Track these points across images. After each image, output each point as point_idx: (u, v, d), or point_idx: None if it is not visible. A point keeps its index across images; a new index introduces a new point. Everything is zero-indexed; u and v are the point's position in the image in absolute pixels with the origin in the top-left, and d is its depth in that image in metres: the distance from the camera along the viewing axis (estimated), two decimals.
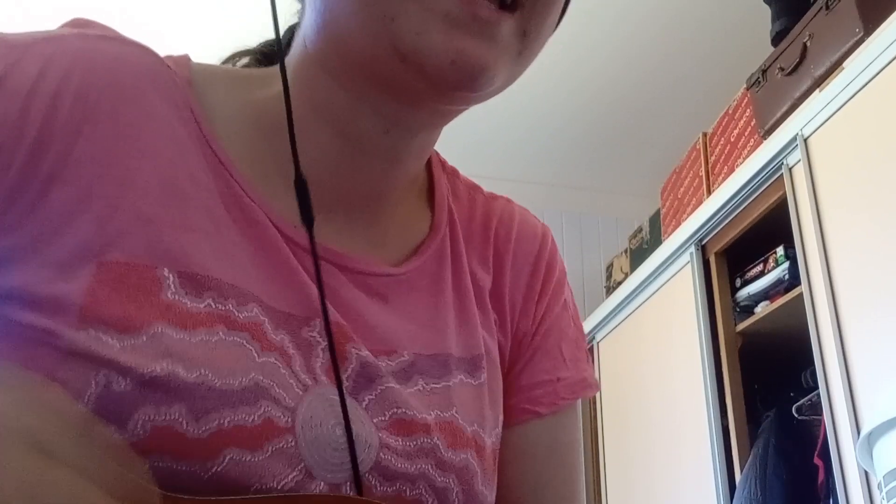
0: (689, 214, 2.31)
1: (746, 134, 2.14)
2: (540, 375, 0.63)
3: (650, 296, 2.46)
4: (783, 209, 1.84)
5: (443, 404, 0.55)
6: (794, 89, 1.86)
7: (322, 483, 0.48)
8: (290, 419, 0.47)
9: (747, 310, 2.09)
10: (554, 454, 0.63)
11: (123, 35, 0.55)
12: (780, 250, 1.95)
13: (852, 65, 1.65)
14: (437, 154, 0.67)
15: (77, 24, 0.55)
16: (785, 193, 1.83)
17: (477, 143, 3.00)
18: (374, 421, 0.51)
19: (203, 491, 0.44)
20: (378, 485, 0.50)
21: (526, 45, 0.52)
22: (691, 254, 2.22)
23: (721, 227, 2.13)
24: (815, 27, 1.80)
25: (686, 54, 2.69)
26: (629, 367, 2.55)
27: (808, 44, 1.82)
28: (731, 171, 2.15)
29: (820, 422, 1.73)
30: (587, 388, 0.65)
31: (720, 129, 2.29)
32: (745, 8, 2.41)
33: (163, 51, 0.56)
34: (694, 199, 2.37)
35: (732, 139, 2.22)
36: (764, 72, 1.99)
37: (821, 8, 1.78)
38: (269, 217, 0.53)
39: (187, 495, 0.42)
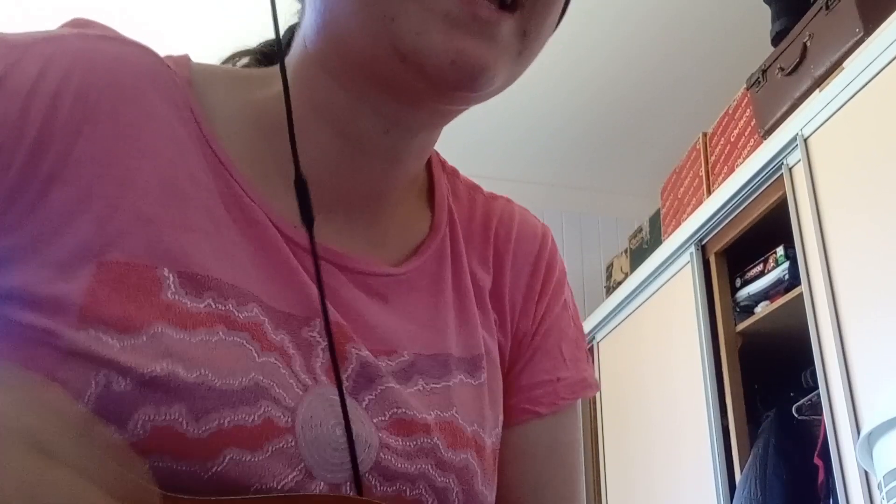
0: (689, 214, 2.31)
1: (746, 134, 2.14)
2: (540, 375, 0.63)
3: (650, 296, 2.46)
4: (783, 209, 1.84)
5: (443, 404, 0.55)
6: (794, 89, 1.86)
7: (322, 483, 0.48)
8: (290, 419, 0.47)
9: (747, 310, 2.09)
10: (554, 454, 0.63)
11: (123, 35, 0.55)
12: (780, 250, 1.95)
13: (852, 65, 1.65)
14: (438, 154, 0.67)
15: (77, 24, 0.55)
16: (785, 193, 1.83)
17: (477, 143, 3.00)
18: (374, 421, 0.51)
19: (203, 491, 0.44)
20: (378, 485, 0.50)
21: (526, 45, 0.52)
22: (691, 254, 2.22)
23: (721, 227, 2.13)
24: (815, 27, 1.80)
25: (686, 54, 2.69)
26: (629, 367, 2.55)
27: (808, 44, 1.82)
28: (731, 171, 2.15)
29: (820, 422, 1.73)
30: (587, 388, 0.65)
31: (720, 129, 2.29)
32: (745, 8, 2.41)
33: (163, 51, 0.56)
34: (694, 199, 2.37)
35: (732, 139, 2.22)
36: (764, 72, 1.99)
37: (821, 8, 1.78)
38: (269, 217, 0.53)
39: (187, 495, 0.42)
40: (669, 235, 2.42)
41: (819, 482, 1.78)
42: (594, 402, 2.73)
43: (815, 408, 1.81)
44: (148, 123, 0.51)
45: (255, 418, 0.46)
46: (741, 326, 2.07)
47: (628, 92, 2.86)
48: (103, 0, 2.06)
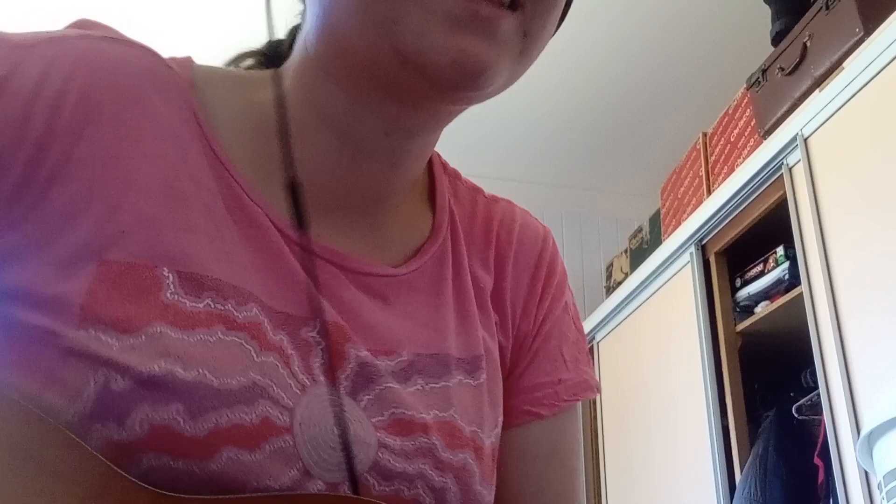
0: (689, 214, 2.31)
1: (746, 134, 2.14)
2: (541, 377, 0.63)
3: (650, 296, 2.46)
4: (783, 209, 1.84)
5: (442, 404, 0.55)
6: (794, 89, 1.86)
7: (320, 482, 0.48)
8: (288, 419, 0.48)
9: (747, 310, 2.09)
10: (555, 456, 0.63)
11: (126, 36, 0.56)
12: (780, 250, 1.95)
13: (852, 65, 1.65)
14: (439, 156, 0.67)
15: (81, 25, 0.56)
16: (785, 193, 1.83)
17: (477, 143, 3.00)
18: (373, 421, 0.51)
19: (201, 490, 0.44)
20: (376, 484, 0.50)
21: (527, 45, 0.52)
22: (691, 254, 2.22)
23: (721, 227, 2.13)
24: (815, 27, 1.80)
25: (686, 54, 2.69)
26: (629, 367, 2.55)
27: (808, 44, 1.82)
28: (731, 171, 2.15)
29: (820, 422, 1.73)
30: (588, 390, 0.65)
31: (720, 129, 2.30)
32: (745, 8, 2.41)
33: (163, 51, 0.56)
34: (694, 199, 2.38)
35: (732, 139, 2.22)
36: (764, 72, 1.99)
37: (821, 8, 1.78)
38: (270, 218, 0.53)
39: (185, 494, 0.42)
40: (669, 235, 2.42)
41: (819, 482, 1.78)
42: (594, 403, 2.73)
43: (815, 408, 1.81)
44: (150, 124, 0.51)
45: (254, 418, 0.46)
46: (741, 326, 2.07)
47: (628, 92, 2.86)
48: (103, 0, 2.06)
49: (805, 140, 1.77)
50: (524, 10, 0.51)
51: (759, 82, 2.00)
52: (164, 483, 0.42)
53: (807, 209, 1.74)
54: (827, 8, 1.75)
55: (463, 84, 0.49)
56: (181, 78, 0.55)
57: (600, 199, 3.43)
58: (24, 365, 0.44)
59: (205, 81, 0.56)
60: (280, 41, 0.63)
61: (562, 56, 2.62)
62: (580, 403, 0.66)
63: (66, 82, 0.49)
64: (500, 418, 0.61)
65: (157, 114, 0.52)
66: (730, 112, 2.25)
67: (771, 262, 1.98)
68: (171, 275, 0.48)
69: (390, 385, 0.53)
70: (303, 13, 0.58)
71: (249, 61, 0.65)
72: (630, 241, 2.90)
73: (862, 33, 1.65)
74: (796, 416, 1.91)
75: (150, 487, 0.42)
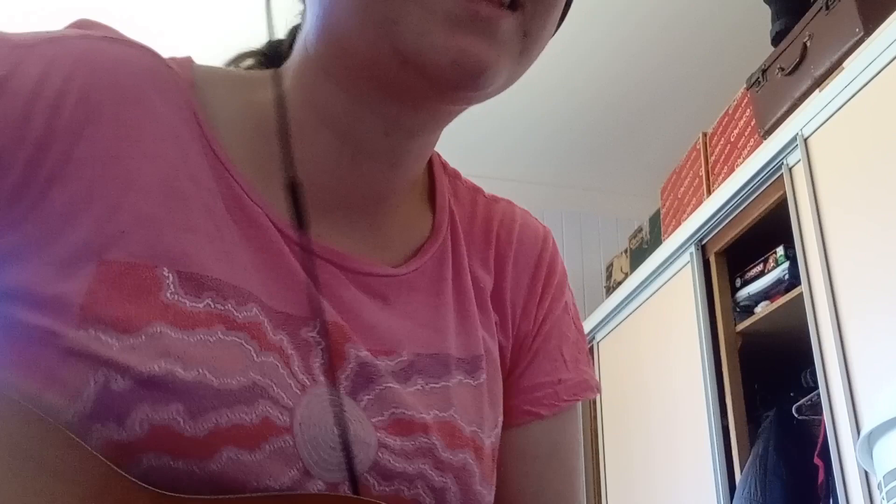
0: (689, 214, 2.31)
1: (746, 134, 2.14)
2: (541, 377, 0.63)
3: (650, 296, 2.46)
4: (783, 209, 1.84)
5: (441, 404, 0.55)
6: (794, 89, 1.86)
7: (320, 482, 0.48)
8: (288, 419, 0.48)
9: (747, 310, 2.09)
10: (555, 456, 0.63)
11: (126, 36, 0.56)
12: (780, 250, 1.95)
13: (852, 65, 1.65)
14: (439, 156, 0.67)
15: (81, 25, 0.56)
16: (785, 193, 1.83)
17: (477, 143, 3.00)
18: (373, 421, 0.51)
19: (201, 489, 0.44)
20: (376, 484, 0.50)
21: (527, 45, 0.52)
22: (691, 254, 2.22)
23: (721, 227, 2.13)
24: (815, 27, 1.80)
25: (686, 54, 2.69)
26: (629, 367, 2.55)
27: (808, 44, 1.82)
28: (731, 171, 2.15)
29: (820, 422, 1.73)
30: (588, 390, 0.65)
31: (720, 129, 2.30)
32: (745, 8, 2.41)
33: (163, 51, 0.56)
34: (694, 199, 2.38)
35: (732, 139, 2.22)
36: (764, 72, 1.99)
37: (821, 8, 1.78)
38: (270, 218, 0.53)
39: (185, 494, 0.42)
40: (669, 235, 2.42)
41: (819, 482, 1.78)
42: (594, 403, 2.73)
43: (815, 408, 1.81)
44: (150, 124, 0.51)
45: (253, 418, 0.46)
46: (741, 326, 2.07)
47: (628, 92, 2.86)
48: (104, 0, 2.06)
49: (805, 140, 1.77)
50: (524, 10, 0.51)
51: (759, 82, 2.00)
52: (164, 483, 0.43)
53: (807, 209, 1.74)
54: (827, 8, 1.75)
55: (463, 84, 0.49)
56: (181, 78, 0.55)
57: (600, 199, 3.43)
58: (24, 365, 0.44)
59: (205, 81, 0.56)
60: (280, 41, 0.63)
61: (562, 56, 2.62)
62: (580, 403, 0.66)
63: (66, 82, 0.49)
64: (500, 418, 0.61)
65: (157, 114, 0.52)
66: (730, 112, 2.25)
67: (771, 262, 1.98)
68: (171, 275, 0.48)
69: (390, 385, 0.53)
70: (303, 13, 0.58)
71: (249, 61, 0.65)
72: (630, 241, 2.90)
73: (862, 33, 1.65)
74: (796, 416, 1.91)
75: (150, 487, 0.42)
